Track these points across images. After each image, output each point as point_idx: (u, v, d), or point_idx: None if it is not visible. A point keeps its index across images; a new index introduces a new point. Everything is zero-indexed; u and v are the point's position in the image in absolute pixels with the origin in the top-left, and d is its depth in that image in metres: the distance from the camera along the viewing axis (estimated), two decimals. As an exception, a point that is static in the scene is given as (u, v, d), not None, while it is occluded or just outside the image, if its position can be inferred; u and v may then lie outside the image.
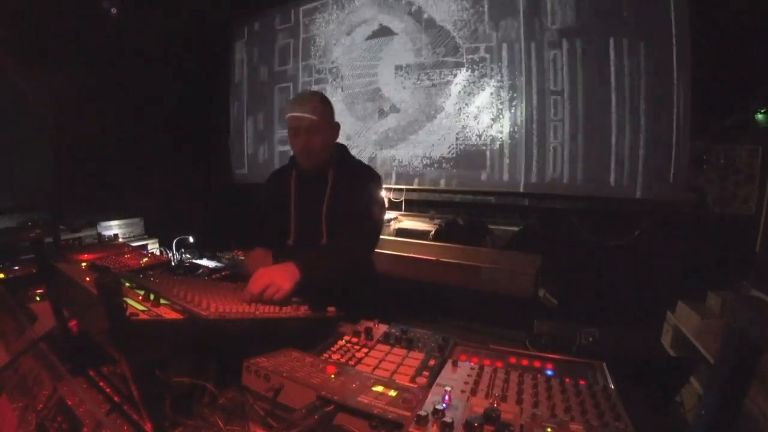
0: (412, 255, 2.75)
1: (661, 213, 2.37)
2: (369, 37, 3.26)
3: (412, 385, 0.76)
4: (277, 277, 1.09)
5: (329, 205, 1.44)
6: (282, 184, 1.55)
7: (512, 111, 2.73)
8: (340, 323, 1.12)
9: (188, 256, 2.16)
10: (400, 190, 3.12)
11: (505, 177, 2.77)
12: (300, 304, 1.12)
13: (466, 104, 2.89)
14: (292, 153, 1.51)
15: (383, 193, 1.56)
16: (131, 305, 0.76)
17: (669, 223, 2.37)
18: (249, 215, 1.75)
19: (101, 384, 0.81)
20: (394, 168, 3.21)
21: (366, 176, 1.52)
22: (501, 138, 2.78)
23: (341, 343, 0.96)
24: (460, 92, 2.91)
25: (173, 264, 1.93)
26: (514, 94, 2.71)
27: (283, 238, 1.50)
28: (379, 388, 0.70)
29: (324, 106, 1.43)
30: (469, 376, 0.76)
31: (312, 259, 1.23)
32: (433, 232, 2.97)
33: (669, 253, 2.32)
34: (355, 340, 0.97)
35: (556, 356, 0.87)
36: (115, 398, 0.77)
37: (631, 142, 2.39)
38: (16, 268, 1.57)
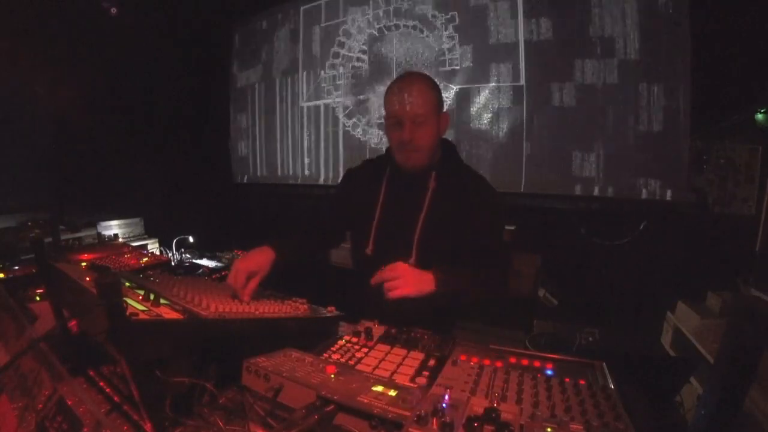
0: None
1: (661, 213, 2.37)
2: (370, 36, 3.26)
3: (412, 385, 0.76)
4: (408, 277, 1.02)
5: (427, 218, 1.20)
6: (371, 180, 1.31)
7: (512, 109, 2.73)
8: (340, 323, 1.12)
9: (188, 256, 2.16)
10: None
11: (505, 177, 2.77)
12: (300, 304, 1.12)
13: (466, 103, 2.89)
14: (389, 145, 1.28)
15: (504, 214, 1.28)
16: (131, 305, 0.76)
17: (669, 223, 2.37)
18: (323, 208, 1.46)
19: (101, 384, 0.82)
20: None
21: (483, 192, 1.25)
22: (500, 137, 2.78)
23: (341, 343, 0.96)
24: (459, 91, 2.91)
25: (173, 264, 1.94)
26: (514, 94, 2.71)
27: (360, 245, 1.29)
28: (379, 388, 0.70)
29: (433, 91, 1.19)
30: (469, 375, 0.76)
31: (453, 281, 1.07)
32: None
33: (669, 253, 2.32)
34: (355, 339, 0.97)
35: (556, 356, 0.87)
36: (115, 398, 0.77)
37: (630, 142, 2.39)
38: (16, 268, 1.57)
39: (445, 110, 1.24)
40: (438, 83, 1.26)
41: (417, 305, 1.05)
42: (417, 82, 1.17)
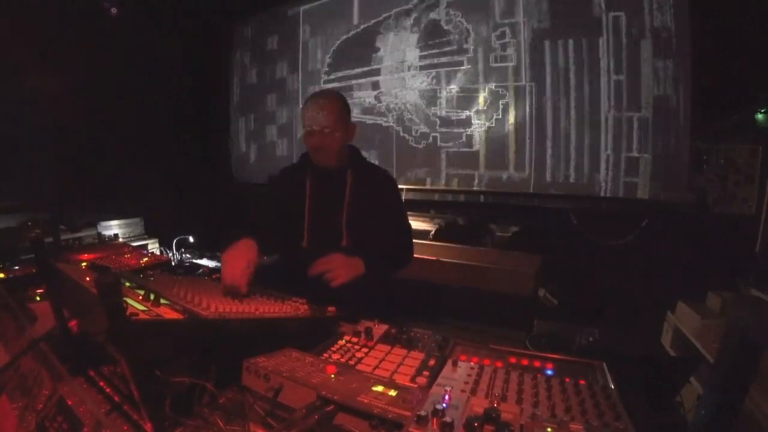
0: (412, 255, 2.75)
1: (661, 213, 2.37)
2: (369, 36, 3.26)
3: (412, 385, 0.76)
4: (342, 264, 1.21)
5: (350, 207, 1.42)
6: (296, 183, 1.50)
7: (512, 111, 2.73)
8: (340, 323, 1.12)
9: (188, 256, 2.16)
10: (400, 190, 3.12)
11: (506, 177, 2.77)
12: (300, 304, 1.12)
13: (466, 104, 2.89)
14: (305, 150, 1.49)
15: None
16: (131, 305, 0.76)
17: (669, 223, 2.36)
18: (255, 211, 1.65)
19: (101, 384, 0.82)
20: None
21: (388, 182, 1.54)
22: (501, 138, 2.78)
23: (341, 343, 0.96)
24: (459, 91, 2.91)
25: (173, 264, 1.94)
26: (515, 94, 2.71)
27: (295, 239, 1.46)
28: (379, 388, 0.70)
29: (339, 106, 1.41)
30: (469, 376, 0.76)
31: (376, 260, 1.32)
32: (433, 232, 2.97)
33: (669, 253, 2.31)
34: (355, 340, 0.97)
35: (556, 356, 0.87)
36: (115, 398, 0.77)
37: (631, 142, 2.39)
38: (16, 268, 1.57)
39: (352, 122, 1.47)
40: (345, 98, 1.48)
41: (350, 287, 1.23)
42: (325, 100, 1.40)
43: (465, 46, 2.85)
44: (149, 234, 3.40)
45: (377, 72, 3.24)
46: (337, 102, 1.42)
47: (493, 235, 2.87)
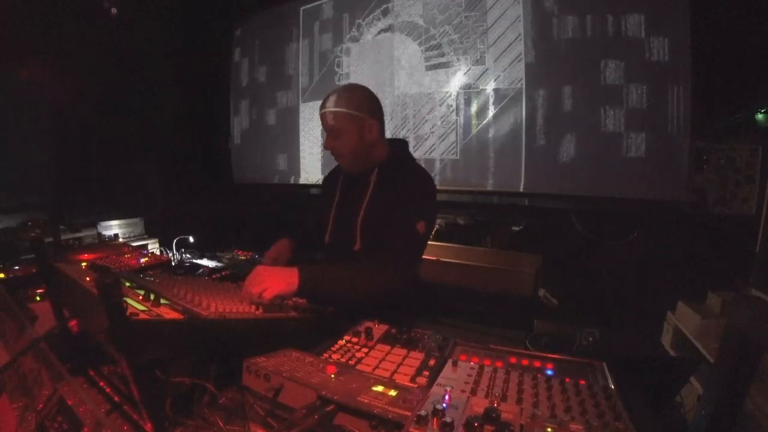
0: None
1: (661, 213, 2.37)
2: (371, 37, 3.26)
3: (412, 385, 0.76)
4: (272, 280, 1.01)
5: (367, 209, 1.33)
6: (333, 180, 1.54)
7: (512, 110, 2.73)
8: (340, 323, 1.12)
9: (188, 256, 2.16)
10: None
11: (505, 177, 2.77)
12: (300, 304, 1.12)
13: (467, 104, 2.89)
14: None
15: (430, 201, 1.35)
16: (131, 305, 0.76)
17: (669, 223, 2.37)
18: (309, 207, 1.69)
19: (101, 384, 0.82)
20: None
21: (410, 180, 1.33)
22: (501, 138, 2.78)
23: (341, 343, 0.96)
24: (460, 92, 2.91)
25: (173, 264, 1.93)
26: (515, 94, 2.71)
27: (322, 235, 1.48)
28: (379, 388, 0.70)
29: (353, 101, 1.27)
30: (469, 376, 0.76)
31: (319, 274, 1.08)
32: (433, 232, 2.97)
33: (669, 253, 2.31)
34: (355, 340, 0.97)
35: (556, 356, 0.87)
36: (115, 398, 0.77)
37: (631, 142, 2.39)
38: (16, 268, 1.57)
39: (372, 117, 1.31)
40: (370, 92, 1.33)
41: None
42: (334, 98, 1.29)
43: (460, 46, 2.85)
44: (149, 234, 3.40)
45: (379, 72, 3.24)
46: (350, 95, 1.28)
47: (494, 235, 2.87)
